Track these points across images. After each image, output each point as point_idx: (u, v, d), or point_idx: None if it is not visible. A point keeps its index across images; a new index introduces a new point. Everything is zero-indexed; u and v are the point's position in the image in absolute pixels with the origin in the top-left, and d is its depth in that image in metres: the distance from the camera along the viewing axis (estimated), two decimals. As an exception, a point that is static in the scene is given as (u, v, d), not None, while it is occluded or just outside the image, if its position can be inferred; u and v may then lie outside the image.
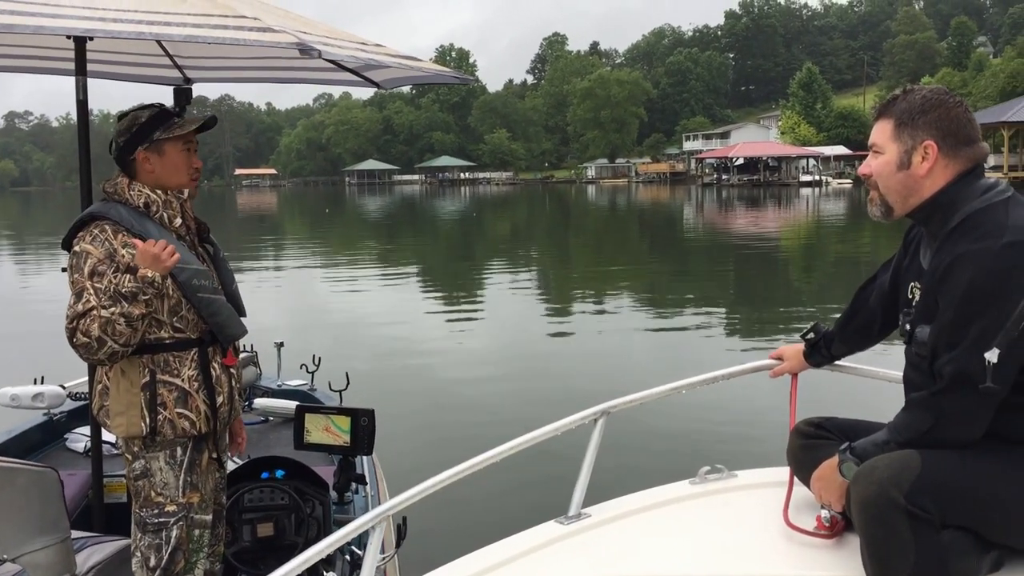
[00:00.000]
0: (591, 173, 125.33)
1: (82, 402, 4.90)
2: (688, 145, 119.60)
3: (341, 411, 3.85)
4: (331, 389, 5.41)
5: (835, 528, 2.55)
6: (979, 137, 2.44)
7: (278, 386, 5.65)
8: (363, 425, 3.76)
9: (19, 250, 32.54)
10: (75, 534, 3.28)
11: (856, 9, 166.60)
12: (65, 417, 4.93)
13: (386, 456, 5.13)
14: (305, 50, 2.75)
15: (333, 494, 3.87)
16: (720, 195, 71.64)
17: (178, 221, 3.11)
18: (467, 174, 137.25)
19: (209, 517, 3.16)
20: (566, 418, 2.87)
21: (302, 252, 29.60)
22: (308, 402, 4.95)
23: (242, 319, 3.27)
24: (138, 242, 2.92)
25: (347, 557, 3.46)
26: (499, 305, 16.69)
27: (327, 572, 3.33)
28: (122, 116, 3.13)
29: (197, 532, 3.10)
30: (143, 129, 3.06)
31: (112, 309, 2.81)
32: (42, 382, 4.82)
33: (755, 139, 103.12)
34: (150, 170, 3.08)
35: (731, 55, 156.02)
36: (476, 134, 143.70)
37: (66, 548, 3.07)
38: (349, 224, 47.23)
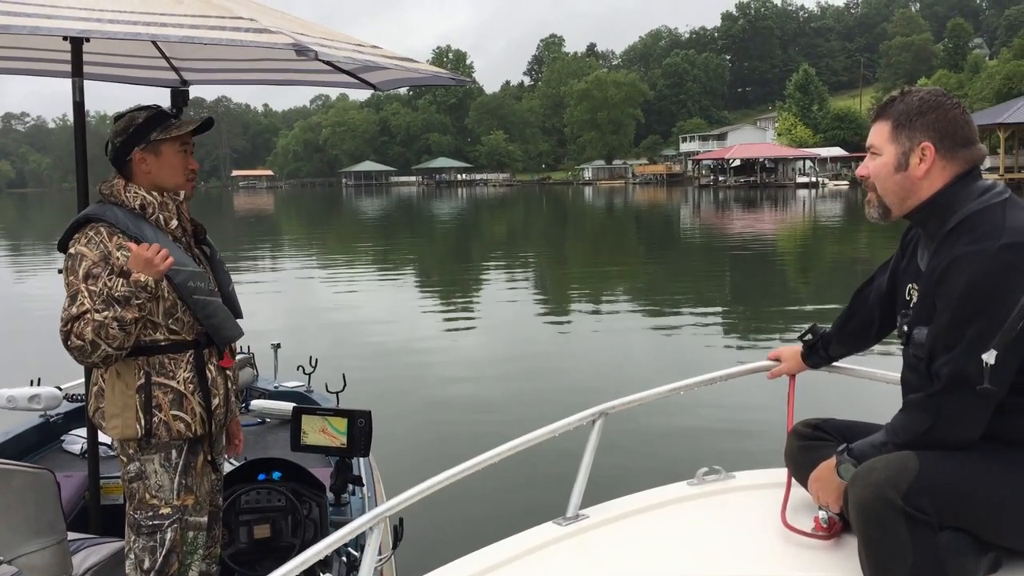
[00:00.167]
0: (588, 175, 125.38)
1: (79, 404, 4.89)
2: (685, 147, 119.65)
3: (338, 413, 3.85)
4: (328, 391, 5.40)
5: (833, 529, 2.55)
6: (977, 139, 2.44)
7: (275, 388, 5.65)
8: (360, 426, 3.76)
9: (16, 252, 32.49)
10: (71, 536, 3.27)
11: (852, 11, 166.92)
12: (62, 419, 4.92)
13: (383, 457, 5.13)
14: (301, 51, 2.75)
15: (330, 495, 3.87)
16: (717, 196, 71.69)
17: (174, 223, 3.10)
18: (464, 175, 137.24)
19: (204, 519, 3.15)
20: (564, 419, 2.86)
21: (299, 253, 29.58)
22: (305, 404, 4.95)
23: (239, 321, 3.26)
24: (132, 245, 2.91)
25: (344, 559, 3.45)
26: (496, 306, 16.69)
27: (324, 574, 3.33)
28: (118, 117, 3.13)
29: (192, 534, 3.10)
30: (140, 130, 3.06)
31: (105, 313, 2.81)
32: (39, 384, 4.81)
33: (752, 141, 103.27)
34: (147, 171, 3.07)
35: (728, 57, 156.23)
36: (473, 135, 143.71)
37: (62, 550, 3.06)
38: (346, 225, 47.21)
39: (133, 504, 3.05)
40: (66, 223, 3.05)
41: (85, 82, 3.58)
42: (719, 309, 16.09)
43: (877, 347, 2.94)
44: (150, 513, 3.03)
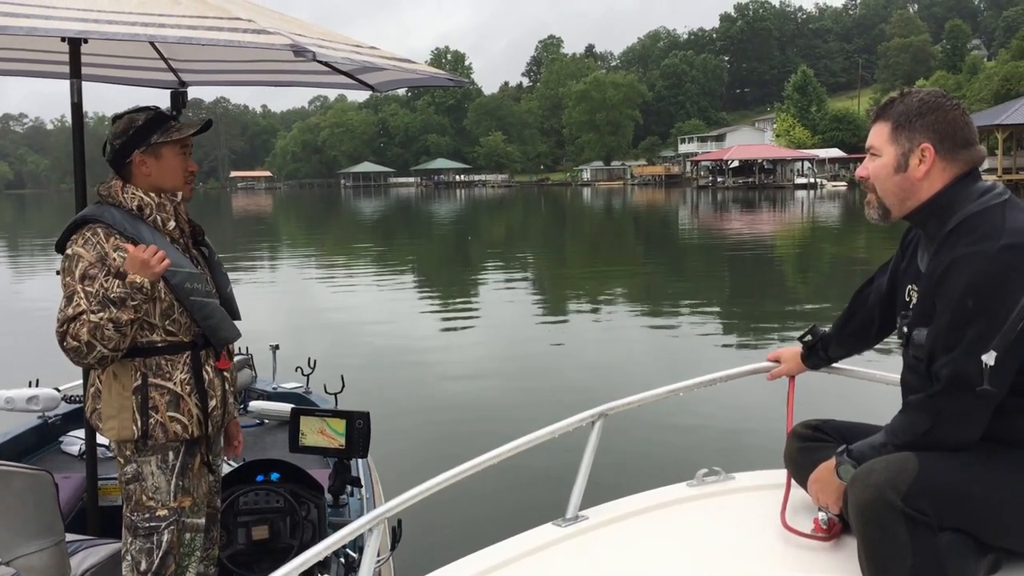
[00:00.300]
0: (586, 176, 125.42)
1: (77, 405, 4.89)
2: (683, 148, 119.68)
3: (336, 414, 3.84)
4: (326, 392, 5.40)
5: (832, 530, 2.55)
6: (976, 140, 2.44)
7: (273, 389, 5.65)
8: (358, 428, 3.76)
9: (14, 253, 32.48)
10: (69, 537, 3.26)
11: (851, 12, 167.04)
12: (60, 420, 4.92)
13: (381, 459, 5.12)
14: (299, 52, 2.75)
15: (328, 497, 3.87)
16: (715, 198, 71.72)
17: (172, 224, 3.10)
18: (462, 176, 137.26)
19: (202, 521, 3.14)
20: (564, 420, 2.86)
21: (298, 254, 29.58)
22: (303, 405, 4.94)
23: (237, 322, 3.26)
24: (129, 247, 2.91)
25: (342, 560, 3.45)
26: (495, 307, 16.69)
27: (322, 575, 3.32)
28: (117, 118, 3.12)
29: (189, 536, 3.09)
30: (140, 132, 3.05)
31: (101, 314, 2.80)
32: (37, 385, 4.80)
33: (750, 142, 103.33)
34: (146, 173, 3.07)
35: (726, 58, 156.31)
36: (471, 137, 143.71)
37: (60, 551, 3.05)
38: (345, 226, 47.21)
39: (130, 506, 3.05)
40: (64, 224, 3.04)
41: (83, 83, 3.57)
42: (718, 310, 16.10)
43: (877, 348, 2.93)
44: (147, 515, 3.02)
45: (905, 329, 2.50)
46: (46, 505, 3.02)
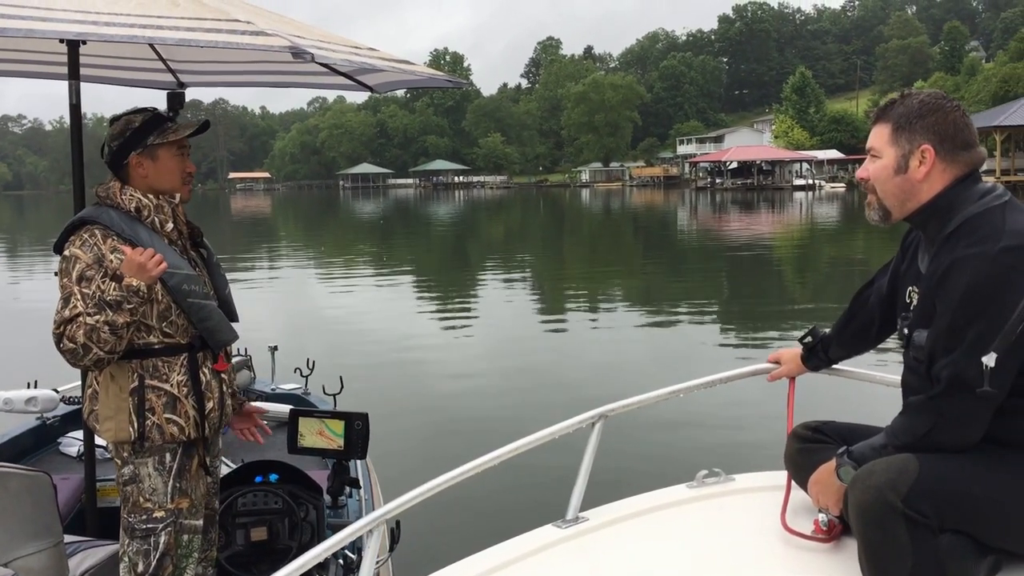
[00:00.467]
0: (585, 177, 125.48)
1: (76, 406, 4.88)
2: (682, 149, 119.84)
3: (335, 415, 3.83)
4: (325, 393, 5.40)
5: (833, 532, 2.55)
6: (976, 142, 2.44)
7: (272, 390, 5.64)
8: (357, 429, 3.75)
9: (13, 254, 32.47)
10: (68, 538, 3.26)
11: (849, 14, 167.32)
12: (59, 421, 4.91)
13: (380, 460, 5.12)
14: (298, 54, 2.75)
15: (327, 498, 3.86)
16: (714, 199, 71.78)
17: (169, 226, 3.09)
18: (461, 178, 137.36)
19: (199, 522, 3.14)
20: (564, 422, 2.86)
21: (296, 256, 29.57)
22: (302, 406, 4.93)
23: (235, 324, 3.25)
24: (127, 249, 2.90)
25: (340, 561, 3.45)
26: (494, 308, 16.69)
27: (321, 577, 3.32)
28: (114, 120, 3.11)
29: (186, 537, 3.09)
30: (137, 134, 3.04)
31: (97, 317, 2.80)
32: (35, 386, 4.79)
33: (749, 143, 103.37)
34: (144, 175, 3.06)
35: (725, 59, 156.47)
36: (470, 138, 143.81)
37: (58, 553, 3.05)
38: (343, 228, 47.21)
39: (127, 507, 3.04)
40: (62, 225, 3.04)
41: (82, 84, 3.57)
42: (718, 311, 16.11)
43: (877, 349, 2.93)
44: (144, 516, 3.01)
45: (906, 331, 2.50)
46: (44, 506, 3.02)
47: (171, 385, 3.01)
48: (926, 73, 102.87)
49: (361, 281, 21.23)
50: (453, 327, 14.63)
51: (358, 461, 4.15)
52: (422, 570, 2.50)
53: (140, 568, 3.00)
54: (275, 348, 5.93)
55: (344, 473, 3.90)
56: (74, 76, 3.52)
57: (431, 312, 16.62)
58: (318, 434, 3.80)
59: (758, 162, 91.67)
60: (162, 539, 3.01)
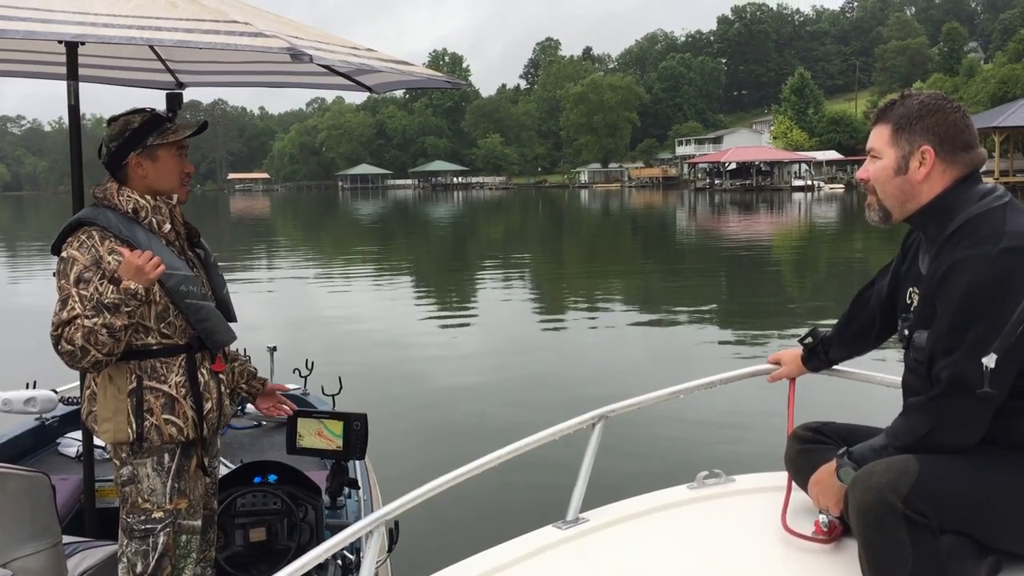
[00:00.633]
0: (584, 178, 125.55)
1: (74, 407, 4.88)
2: (681, 150, 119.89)
3: (334, 415, 3.83)
4: (324, 393, 5.39)
5: (833, 533, 2.55)
6: (976, 143, 2.44)
7: (271, 391, 5.62)
8: (356, 429, 3.75)
9: (11, 254, 32.45)
10: (66, 539, 3.25)
11: (848, 15, 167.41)
12: (57, 422, 4.91)
13: (379, 460, 5.12)
14: (296, 55, 2.74)
15: (326, 498, 3.86)
16: (713, 200, 71.80)
17: (167, 227, 3.08)
18: (460, 179, 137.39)
19: (198, 523, 3.14)
20: (564, 422, 2.86)
21: (295, 256, 29.57)
22: (301, 406, 4.93)
23: (234, 324, 3.25)
24: (125, 251, 2.89)
25: (339, 562, 3.44)
26: (494, 309, 16.68)
27: (319, 578, 3.32)
28: (112, 120, 3.11)
29: (185, 538, 3.09)
30: (136, 134, 3.04)
31: (95, 319, 2.79)
32: (34, 386, 4.79)
33: (747, 144, 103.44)
34: (143, 175, 3.05)
35: (724, 60, 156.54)
36: (469, 139, 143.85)
37: (57, 553, 3.05)
38: (342, 228, 47.21)
39: (126, 508, 3.04)
40: (61, 226, 3.03)
41: (81, 84, 3.56)
42: (718, 312, 16.10)
43: (876, 351, 2.93)
44: (142, 517, 3.01)
45: (906, 331, 2.50)
46: (43, 507, 3.01)
47: (169, 386, 3.00)
48: (925, 74, 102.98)
49: (360, 281, 21.23)
50: (452, 327, 14.63)
51: (357, 462, 4.15)
52: (422, 571, 2.50)
53: (139, 568, 3.00)
54: (274, 348, 5.92)
55: (343, 474, 3.90)
56: (73, 77, 3.52)
57: (430, 312, 16.61)
58: (317, 435, 3.80)
59: (757, 163, 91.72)
60: (160, 539, 3.01)
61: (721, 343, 12.99)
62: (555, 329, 14.66)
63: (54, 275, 2.98)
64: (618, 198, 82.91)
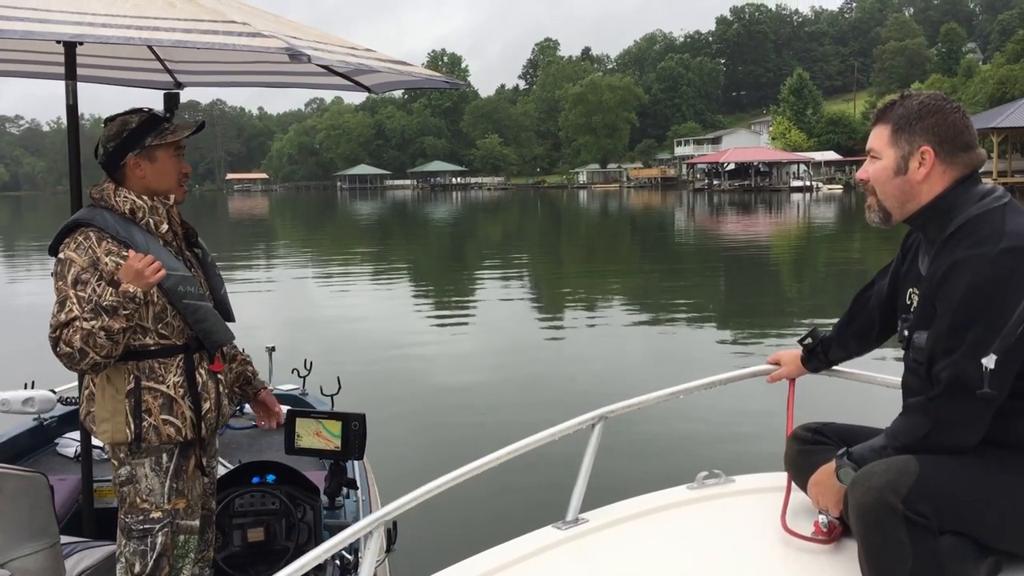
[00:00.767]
0: (583, 178, 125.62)
1: (73, 407, 4.87)
2: (679, 150, 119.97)
3: (332, 415, 3.83)
4: (322, 393, 5.39)
5: (833, 533, 2.55)
6: (976, 143, 2.44)
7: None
8: (354, 429, 3.74)
9: (10, 254, 32.43)
10: (64, 539, 3.25)
11: (846, 15, 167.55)
12: (56, 422, 4.90)
13: (378, 461, 5.11)
14: (295, 55, 2.74)
15: (324, 499, 3.86)
16: (711, 200, 71.83)
17: (164, 227, 3.08)
18: (459, 179, 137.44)
19: (196, 523, 3.14)
20: (564, 423, 2.86)
21: (294, 256, 29.55)
22: (299, 407, 4.92)
23: (232, 324, 3.24)
24: (129, 253, 2.89)
25: (337, 562, 3.44)
26: (493, 309, 16.68)
27: (318, 578, 3.31)
28: (109, 121, 3.10)
29: (183, 538, 3.09)
30: (134, 135, 3.03)
31: (93, 322, 2.79)
32: (32, 386, 4.78)
33: (746, 144, 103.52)
34: (141, 176, 3.05)
35: (722, 61, 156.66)
36: (468, 139, 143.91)
37: (55, 553, 3.04)
38: (341, 229, 47.19)
39: (124, 508, 3.04)
40: (59, 226, 3.03)
41: (80, 84, 3.56)
42: (717, 313, 16.10)
43: (876, 351, 2.93)
44: (141, 517, 3.01)
45: (906, 332, 2.50)
46: (41, 507, 3.01)
47: (167, 386, 3.00)
48: (923, 75, 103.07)
49: (359, 282, 21.21)
50: (451, 328, 14.63)
51: (355, 462, 4.14)
52: (421, 572, 2.50)
53: (137, 568, 3.00)
54: (272, 349, 5.92)
55: (341, 474, 3.89)
56: (71, 77, 3.52)
57: (429, 313, 16.61)
58: (315, 435, 3.79)
59: (755, 163, 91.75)
60: (159, 540, 3.01)
61: (720, 343, 12.99)
62: (554, 329, 14.66)
63: (52, 276, 2.97)
64: (617, 199, 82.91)
